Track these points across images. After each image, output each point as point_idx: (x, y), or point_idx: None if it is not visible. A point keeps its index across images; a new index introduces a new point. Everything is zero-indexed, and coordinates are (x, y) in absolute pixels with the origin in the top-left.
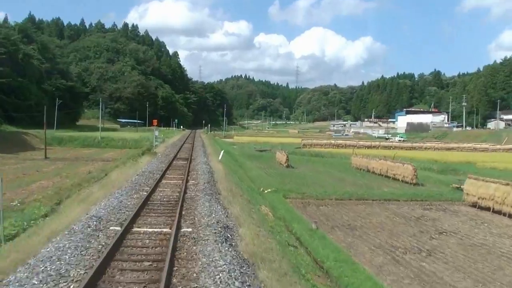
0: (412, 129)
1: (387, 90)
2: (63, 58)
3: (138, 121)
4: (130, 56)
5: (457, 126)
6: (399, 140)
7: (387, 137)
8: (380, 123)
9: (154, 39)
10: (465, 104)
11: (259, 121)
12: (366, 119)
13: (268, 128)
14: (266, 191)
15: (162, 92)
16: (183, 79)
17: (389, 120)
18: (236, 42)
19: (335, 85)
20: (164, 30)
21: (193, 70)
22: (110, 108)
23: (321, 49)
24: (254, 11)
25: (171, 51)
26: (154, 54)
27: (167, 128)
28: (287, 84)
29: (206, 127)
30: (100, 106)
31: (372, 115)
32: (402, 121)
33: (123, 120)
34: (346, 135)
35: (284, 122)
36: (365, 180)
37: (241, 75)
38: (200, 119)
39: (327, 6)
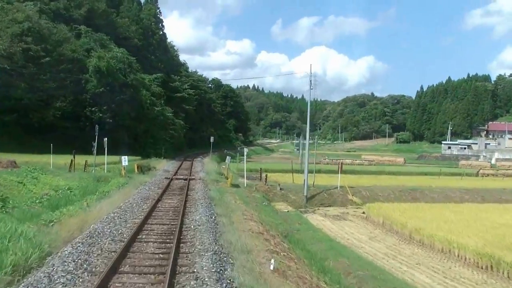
0: None
1: (458, 97)
2: None
3: None
4: None
5: None
6: None
7: None
8: None
9: None
10: None
11: (277, 140)
12: (501, 136)
13: (296, 150)
14: None
15: (98, 60)
16: (167, 53)
17: None
18: (237, 61)
19: (372, 94)
20: None
21: None
22: None
23: (323, 68)
24: (256, 29)
25: None
26: None
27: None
28: (303, 96)
29: (217, 152)
30: None
31: (449, 131)
32: None
33: None
34: None
35: (311, 142)
36: None
37: (248, 85)
38: (200, 134)
39: (329, 25)
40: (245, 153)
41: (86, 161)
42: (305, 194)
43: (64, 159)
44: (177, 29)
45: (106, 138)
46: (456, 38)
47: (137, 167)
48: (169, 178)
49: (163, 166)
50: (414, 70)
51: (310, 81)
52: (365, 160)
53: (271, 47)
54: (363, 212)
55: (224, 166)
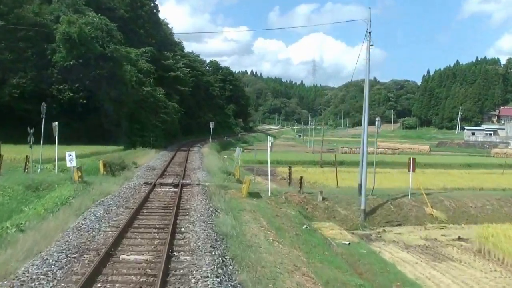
0: None
1: (467, 81)
2: None
3: None
4: None
5: None
6: None
7: None
8: None
9: None
10: None
11: (277, 126)
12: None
13: (299, 136)
14: None
15: (68, 25)
16: (159, 28)
17: None
18: (235, 48)
19: (375, 78)
20: None
21: None
22: None
23: (320, 55)
24: (254, 16)
25: None
26: None
27: None
28: (302, 81)
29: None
30: None
31: (459, 116)
32: None
33: None
34: None
35: (312, 128)
36: None
37: (246, 71)
38: (197, 120)
39: (327, 12)
40: (268, 144)
41: (26, 156)
42: (362, 207)
43: (13, 153)
44: (174, 16)
45: (56, 123)
46: (457, 22)
47: (104, 166)
48: (150, 184)
49: (148, 161)
50: (413, 55)
51: (369, 33)
52: (388, 149)
53: (268, 34)
54: (459, 237)
55: (226, 156)
